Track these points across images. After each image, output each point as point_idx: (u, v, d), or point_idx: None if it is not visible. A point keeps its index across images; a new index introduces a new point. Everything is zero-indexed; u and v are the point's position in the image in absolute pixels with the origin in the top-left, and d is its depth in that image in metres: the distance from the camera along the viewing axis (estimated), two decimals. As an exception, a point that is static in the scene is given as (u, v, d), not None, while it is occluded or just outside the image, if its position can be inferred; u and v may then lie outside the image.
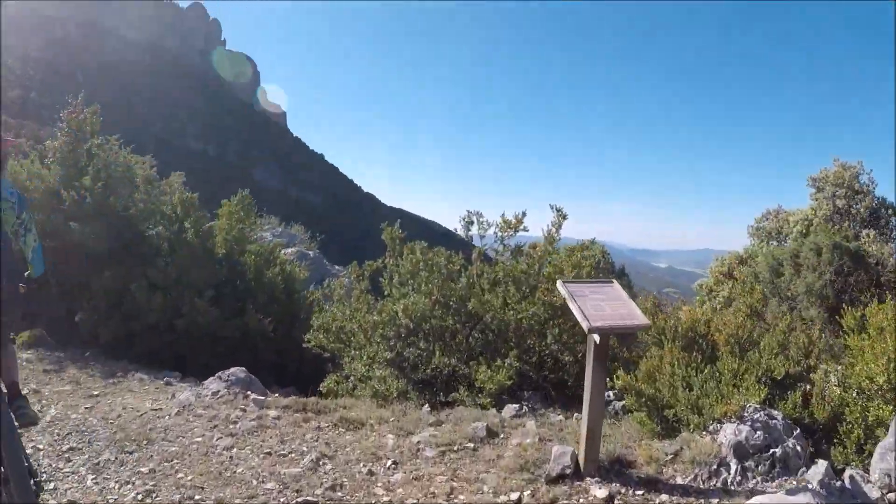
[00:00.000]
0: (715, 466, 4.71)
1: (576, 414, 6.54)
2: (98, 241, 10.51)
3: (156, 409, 6.89)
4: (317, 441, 5.84)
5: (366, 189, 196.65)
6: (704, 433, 5.15)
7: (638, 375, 5.93)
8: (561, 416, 6.52)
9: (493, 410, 6.65)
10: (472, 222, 8.24)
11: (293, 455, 5.52)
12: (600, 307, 4.71)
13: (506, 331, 7.74)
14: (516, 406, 6.64)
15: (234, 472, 5.21)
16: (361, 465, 5.26)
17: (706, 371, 5.48)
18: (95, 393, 7.75)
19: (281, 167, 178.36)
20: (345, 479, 4.99)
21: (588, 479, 4.77)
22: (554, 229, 8.16)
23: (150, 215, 11.56)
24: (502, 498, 4.59)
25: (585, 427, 4.74)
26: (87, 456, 5.57)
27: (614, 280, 5.30)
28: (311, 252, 20.82)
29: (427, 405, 6.92)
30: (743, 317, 6.10)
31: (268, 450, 5.64)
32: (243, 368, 7.82)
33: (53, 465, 5.37)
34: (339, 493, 4.77)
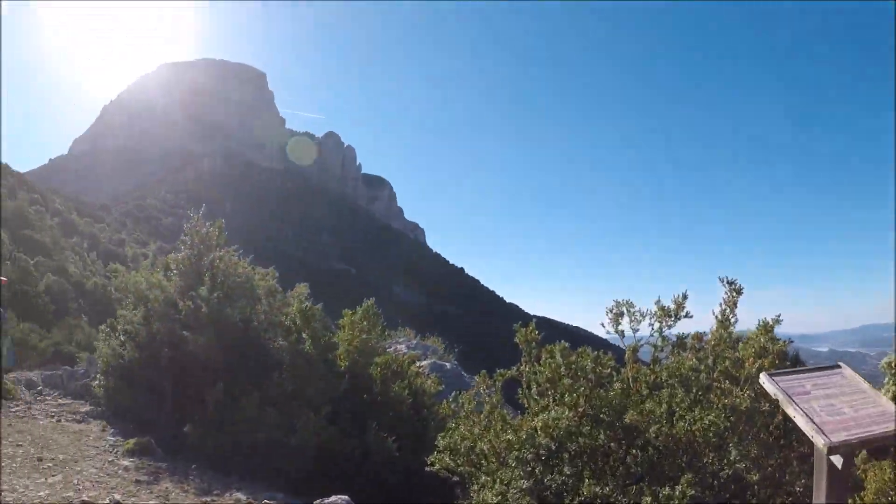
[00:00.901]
0: None
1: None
2: (212, 351, 10.05)
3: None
4: None
5: (508, 299, 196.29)
6: None
7: (864, 498, 4.14)
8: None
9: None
10: (621, 314, 6.65)
11: None
12: (835, 409, 3.07)
13: (674, 447, 6.00)
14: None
15: None
16: None
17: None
18: None
19: (421, 283, 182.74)
20: None
21: None
22: (728, 309, 6.43)
23: (270, 327, 11.01)
24: None
25: None
26: None
27: (842, 364, 3.60)
28: (447, 364, 19.61)
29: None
30: None
31: None
32: (345, 497, 6.52)
33: None
34: None
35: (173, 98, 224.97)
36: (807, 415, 3.01)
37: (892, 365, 13.70)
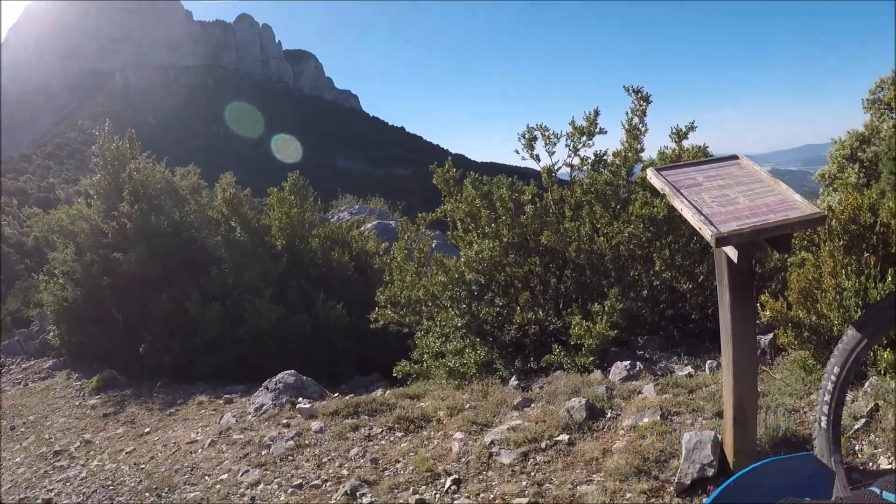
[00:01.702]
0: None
1: (708, 362, 4.82)
2: (147, 265, 9.81)
3: (191, 442, 5.73)
4: (363, 457, 4.44)
5: (454, 150, 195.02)
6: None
7: (789, 297, 4.20)
8: (689, 368, 4.83)
9: (598, 373, 5.04)
10: (534, 138, 6.47)
11: (328, 485, 4.17)
12: (728, 199, 2.99)
13: (600, 264, 6.05)
14: (627, 363, 4.97)
15: (253, 521, 3.93)
16: (411, 490, 3.80)
17: (889, 278, 3.72)
18: (146, 430, 6.81)
19: (363, 149, 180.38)
20: (385, 518, 3.59)
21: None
22: (637, 118, 6.30)
23: (201, 225, 10.70)
24: (612, 530, 3.01)
25: (731, 400, 3.04)
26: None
27: (740, 155, 3.50)
28: (392, 222, 19.58)
29: (515, 377, 5.41)
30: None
31: (300, 480, 4.31)
32: (293, 372, 6.56)
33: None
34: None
35: (66, 21, 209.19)
36: (694, 206, 2.90)
37: (826, 176, 13.95)
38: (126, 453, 6.03)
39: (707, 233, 2.74)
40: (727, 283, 2.95)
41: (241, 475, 4.66)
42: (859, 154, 12.78)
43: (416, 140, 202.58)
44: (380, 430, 4.84)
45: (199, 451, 5.42)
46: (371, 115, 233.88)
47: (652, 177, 3.27)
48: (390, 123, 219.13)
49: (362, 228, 13.69)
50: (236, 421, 5.96)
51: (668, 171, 3.26)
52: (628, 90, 6.40)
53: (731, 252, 2.85)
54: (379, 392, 6.23)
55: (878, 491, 0.76)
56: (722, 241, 2.71)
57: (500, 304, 6.07)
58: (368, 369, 9.37)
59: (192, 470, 5.02)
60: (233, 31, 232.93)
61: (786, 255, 5.71)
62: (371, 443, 4.68)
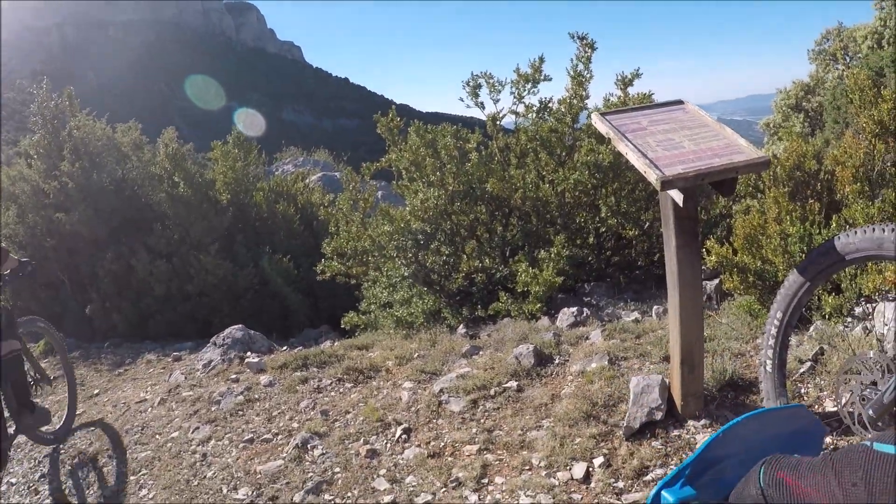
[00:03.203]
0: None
1: (655, 307, 4.89)
2: (91, 224, 9.45)
3: (140, 402, 5.61)
4: (313, 409, 4.41)
5: (399, 101, 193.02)
6: (848, 319, 3.50)
7: (734, 243, 4.26)
8: (636, 314, 4.89)
9: (546, 320, 5.07)
10: (479, 85, 6.38)
11: (279, 438, 4.12)
12: (673, 143, 2.98)
13: (545, 211, 6.05)
14: (575, 310, 5.01)
15: (204, 477, 3.88)
16: (362, 440, 3.78)
17: (833, 224, 3.78)
18: (95, 392, 6.61)
19: (308, 102, 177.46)
20: (336, 469, 3.55)
21: (691, 423, 3.15)
22: (582, 65, 6.25)
23: (144, 181, 10.39)
24: (561, 475, 3.02)
25: (679, 344, 3.07)
26: (50, 484, 4.35)
27: (685, 100, 3.49)
28: (337, 174, 19.35)
29: (463, 325, 5.42)
30: (870, 139, 4.23)
31: (250, 435, 4.25)
32: (240, 326, 6.45)
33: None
34: (327, 496, 3.33)
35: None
36: (639, 150, 2.89)
37: (771, 125, 14.09)
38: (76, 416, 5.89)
39: (652, 176, 2.74)
40: (673, 228, 2.96)
41: (192, 432, 4.59)
42: (804, 104, 13.03)
43: (360, 91, 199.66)
44: (329, 381, 4.81)
45: (149, 409, 5.30)
46: (315, 66, 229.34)
47: (597, 121, 3.24)
48: (334, 75, 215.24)
49: (307, 181, 13.49)
50: (185, 378, 5.86)
51: (613, 116, 3.24)
52: (573, 36, 6.34)
53: (677, 196, 2.85)
54: (327, 344, 6.18)
55: (868, 444, 0.75)
56: (667, 184, 2.71)
57: (447, 252, 6.05)
58: (319, 322, 9.32)
59: (142, 429, 4.91)
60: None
61: (731, 203, 5.79)
62: (321, 395, 4.64)
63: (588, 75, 6.28)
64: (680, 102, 3.48)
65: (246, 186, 10.73)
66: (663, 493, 0.92)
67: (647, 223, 6.00)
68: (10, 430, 4.42)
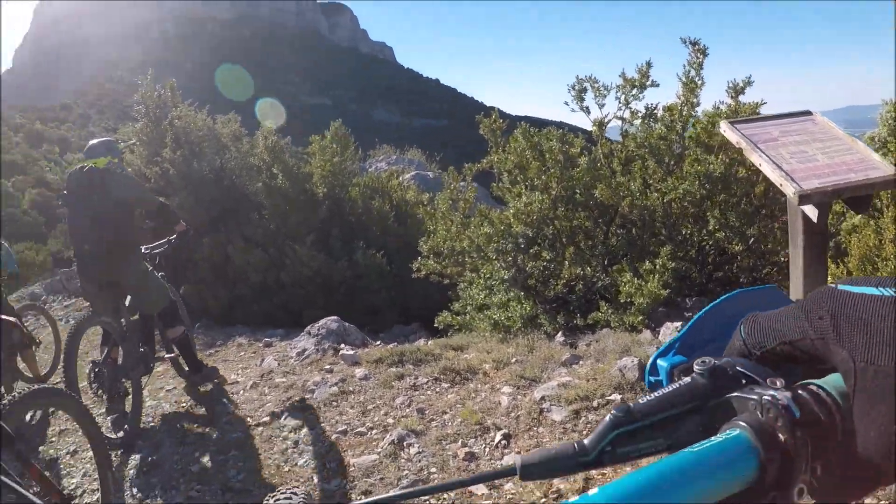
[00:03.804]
0: None
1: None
2: (191, 211, 9.79)
3: (233, 384, 5.76)
4: (408, 406, 4.42)
5: (488, 103, 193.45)
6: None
7: (849, 263, 4.04)
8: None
9: (648, 333, 4.95)
10: (584, 89, 6.28)
11: (373, 433, 4.15)
12: (807, 156, 2.84)
13: (651, 221, 5.90)
14: (678, 324, 4.87)
15: (296, 464, 3.95)
16: (460, 442, 3.76)
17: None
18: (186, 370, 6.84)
19: (398, 102, 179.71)
20: (433, 469, 3.54)
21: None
22: (693, 71, 6.06)
23: (242, 172, 10.75)
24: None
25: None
26: (137, 459, 4.48)
27: (813, 111, 3.33)
28: (430, 173, 19.47)
29: (561, 333, 5.33)
30: None
31: (344, 426, 4.30)
32: (336, 318, 6.54)
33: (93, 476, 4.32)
34: (423, 496, 3.34)
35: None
36: (774, 161, 2.77)
37: (877, 139, 13.41)
38: (166, 391, 6.09)
39: (789, 189, 2.62)
40: (802, 244, 2.83)
41: (284, 418, 4.67)
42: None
43: (450, 92, 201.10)
44: (425, 380, 4.81)
45: (241, 392, 5.44)
46: (406, 66, 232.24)
47: (726, 129, 3.13)
48: (425, 75, 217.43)
49: (401, 179, 13.64)
50: (278, 365, 5.98)
51: (743, 125, 3.12)
52: (685, 42, 6.18)
53: (811, 211, 2.73)
54: (422, 342, 6.21)
55: (833, 286, 0.75)
56: (804, 198, 2.59)
57: (547, 258, 5.97)
58: (408, 318, 9.39)
59: (233, 411, 5.05)
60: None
61: (841, 220, 5.52)
62: (416, 392, 4.65)
63: (699, 82, 6.09)
64: (808, 113, 3.34)
65: (342, 181, 10.91)
66: (658, 361, 0.92)
67: (753, 238, 5.77)
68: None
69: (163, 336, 5.66)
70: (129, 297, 5.05)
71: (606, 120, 6.36)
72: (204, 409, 5.31)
